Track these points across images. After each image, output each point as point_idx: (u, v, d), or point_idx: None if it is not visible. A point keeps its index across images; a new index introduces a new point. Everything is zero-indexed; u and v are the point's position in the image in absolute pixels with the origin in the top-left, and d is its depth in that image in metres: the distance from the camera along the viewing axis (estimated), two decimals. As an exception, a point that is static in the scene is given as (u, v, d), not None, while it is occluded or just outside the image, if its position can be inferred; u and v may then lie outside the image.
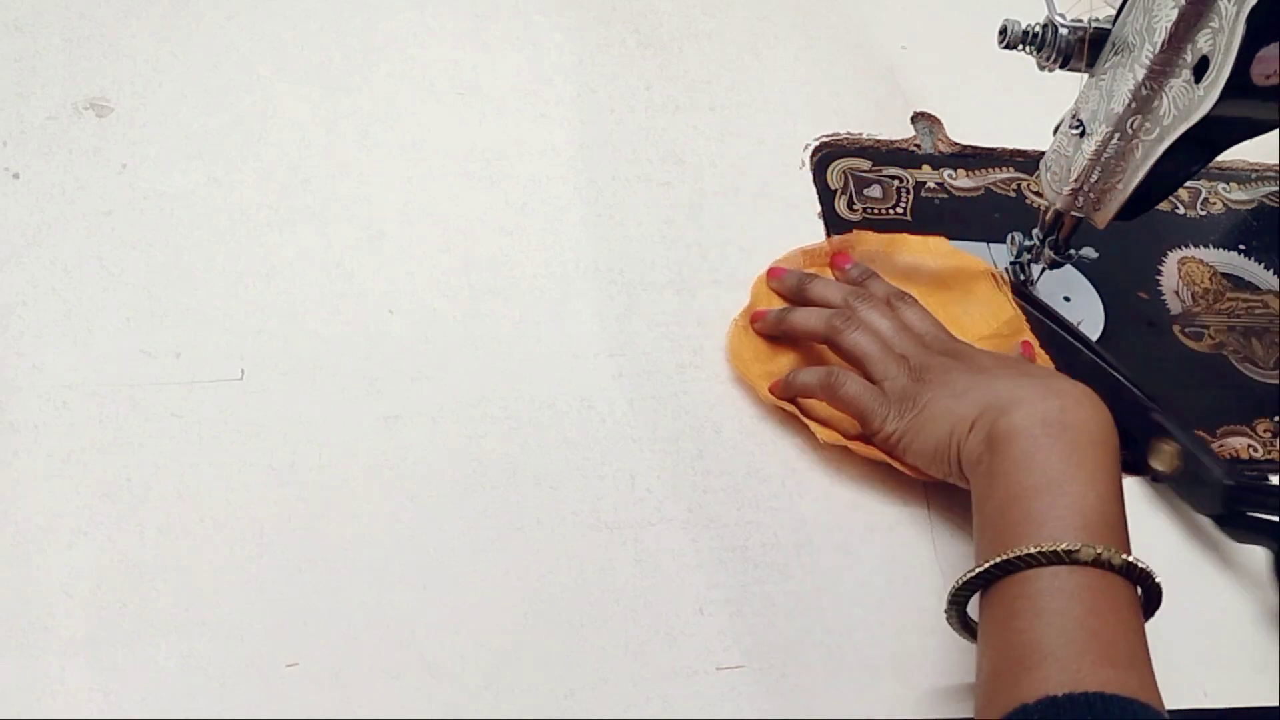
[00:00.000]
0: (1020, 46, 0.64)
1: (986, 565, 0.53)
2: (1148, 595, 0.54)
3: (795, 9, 0.88)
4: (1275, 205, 0.85)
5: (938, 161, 0.81)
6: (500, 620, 0.57)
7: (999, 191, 0.81)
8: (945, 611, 0.56)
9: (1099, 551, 0.52)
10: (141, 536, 0.57)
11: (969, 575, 0.54)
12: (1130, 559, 0.52)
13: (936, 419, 0.61)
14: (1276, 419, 0.72)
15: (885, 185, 0.79)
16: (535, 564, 0.59)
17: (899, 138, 0.82)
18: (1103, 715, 0.47)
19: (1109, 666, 0.49)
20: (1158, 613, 0.54)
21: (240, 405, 0.62)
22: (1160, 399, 0.67)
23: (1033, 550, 0.52)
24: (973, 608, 0.56)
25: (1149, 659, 0.51)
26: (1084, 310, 0.75)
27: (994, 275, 0.73)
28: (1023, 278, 0.74)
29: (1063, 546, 0.52)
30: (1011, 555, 0.52)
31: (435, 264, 0.69)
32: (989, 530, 0.56)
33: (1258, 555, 0.65)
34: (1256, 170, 0.87)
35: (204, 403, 0.61)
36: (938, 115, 0.83)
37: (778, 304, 0.70)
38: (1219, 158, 0.63)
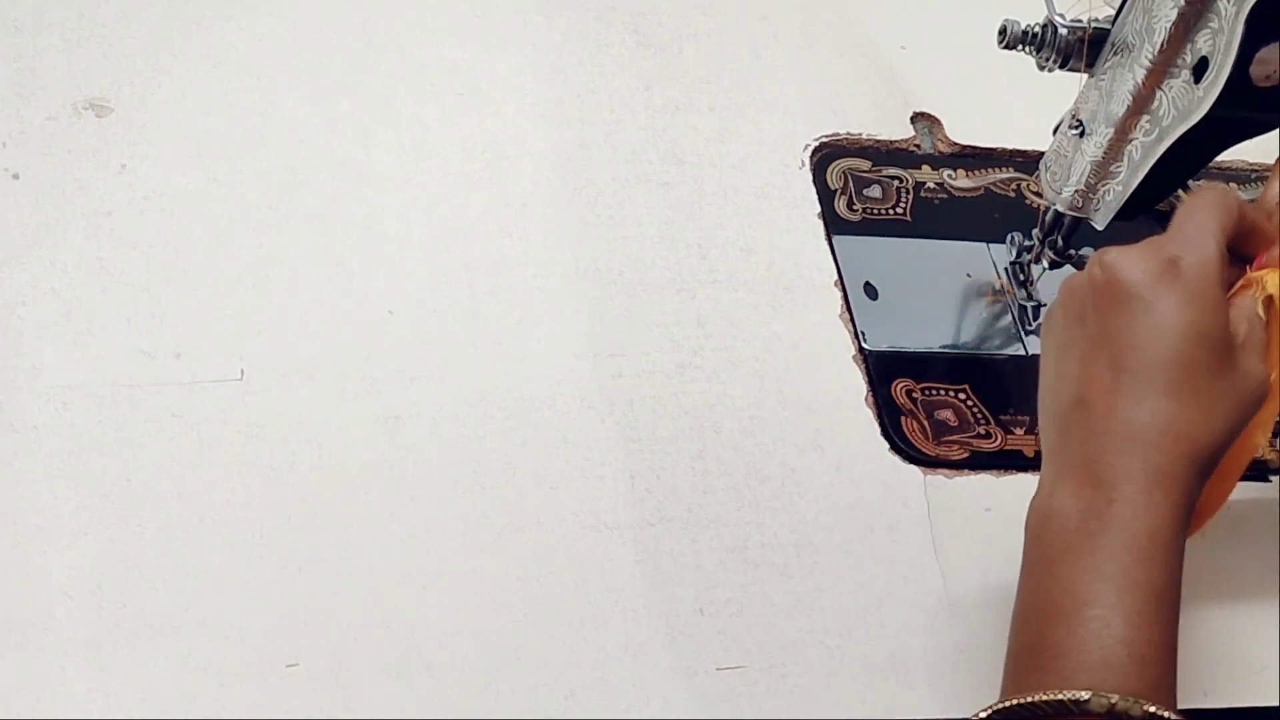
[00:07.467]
0: (1020, 46, 0.64)
1: (993, 709, 0.47)
2: None
3: (795, 9, 0.88)
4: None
5: (937, 161, 0.81)
6: (500, 620, 0.57)
7: (999, 191, 0.81)
8: None
9: (1112, 702, 0.45)
10: (141, 536, 0.57)
11: (982, 716, 0.48)
12: (1152, 709, 0.45)
13: (1044, 389, 0.53)
14: (1277, 419, 0.72)
15: (885, 185, 0.79)
16: (535, 564, 0.59)
17: (899, 138, 0.82)
18: None
19: None
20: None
21: (240, 405, 0.62)
22: None
23: (1039, 699, 0.46)
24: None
25: None
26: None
27: None
28: (1022, 278, 0.74)
29: (1069, 696, 0.45)
30: (1016, 703, 0.46)
31: (435, 264, 0.69)
32: (1011, 643, 0.50)
33: (1258, 555, 0.65)
34: (1256, 170, 0.87)
35: (204, 403, 0.61)
36: (937, 115, 0.83)
37: None
38: (1219, 158, 0.63)
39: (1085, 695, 0.45)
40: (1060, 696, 0.45)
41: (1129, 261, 0.51)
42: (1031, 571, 0.50)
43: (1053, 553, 0.49)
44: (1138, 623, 0.47)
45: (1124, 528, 0.48)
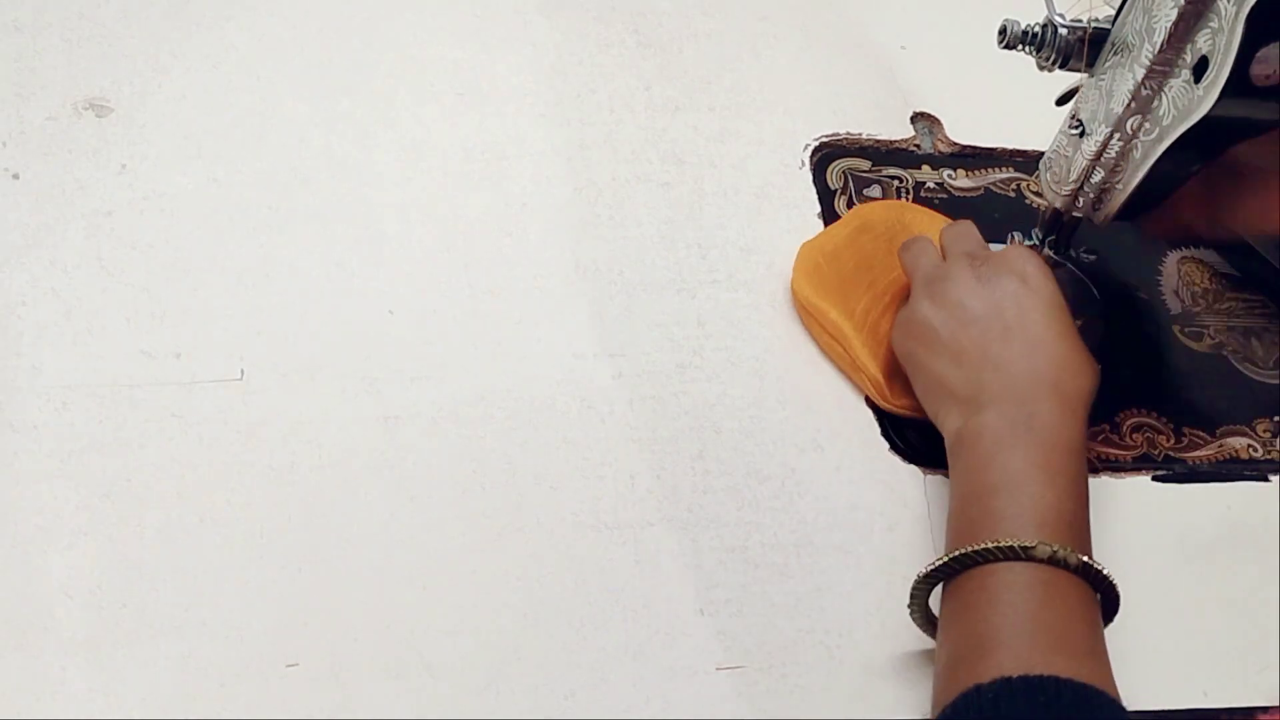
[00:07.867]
0: (1020, 46, 0.64)
1: (945, 559, 0.55)
2: (1106, 598, 0.54)
3: (795, 9, 0.88)
4: (1275, 205, 0.85)
5: (937, 161, 0.81)
6: (500, 620, 0.57)
7: (998, 191, 0.81)
8: (908, 605, 0.57)
9: (1054, 550, 0.53)
10: (141, 536, 0.57)
11: (929, 568, 0.55)
12: (1087, 560, 0.53)
13: (932, 379, 0.62)
14: (1276, 419, 0.72)
15: (885, 185, 0.79)
16: (535, 564, 0.59)
17: (899, 138, 0.82)
18: (1054, 698, 0.48)
19: (1062, 655, 0.50)
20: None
21: (240, 405, 0.62)
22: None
23: (990, 545, 0.53)
24: (935, 602, 0.57)
25: (1104, 652, 0.52)
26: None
27: None
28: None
29: (1019, 543, 0.53)
30: (969, 550, 0.54)
31: (435, 264, 0.69)
32: (952, 523, 0.58)
33: (1258, 555, 0.65)
34: (1256, 170, 0.87)
35: (204, 403, 0.61)
36: (937, 115, 0.83)
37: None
38: (1219, 158, 0.63)
39: (1032, 543, 0.53)
40: (1010, 543, 0.53)
41: (1018, 251, 0.66)
42: (968, 470, 0.58)
43: (987, 454, 0.57)
44: (1066, 497, 0.55)
45: (1049, 432, 0.57)
